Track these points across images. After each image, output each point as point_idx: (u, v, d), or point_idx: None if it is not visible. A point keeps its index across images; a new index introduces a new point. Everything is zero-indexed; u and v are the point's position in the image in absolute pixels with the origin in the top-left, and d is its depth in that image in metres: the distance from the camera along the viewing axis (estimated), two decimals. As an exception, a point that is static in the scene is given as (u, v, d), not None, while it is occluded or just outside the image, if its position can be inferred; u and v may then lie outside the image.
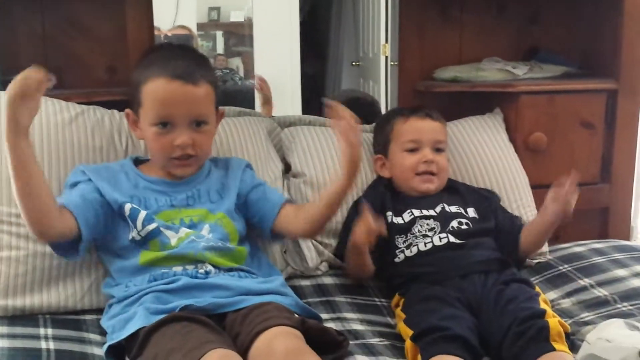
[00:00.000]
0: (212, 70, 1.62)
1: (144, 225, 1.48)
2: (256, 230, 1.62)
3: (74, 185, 1.51)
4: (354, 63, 5.18)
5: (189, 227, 1.51)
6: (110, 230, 1.50)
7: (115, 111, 1.73)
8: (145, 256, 1.48)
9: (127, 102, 1.63)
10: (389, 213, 1.73)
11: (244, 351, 1.29)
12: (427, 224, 1.70)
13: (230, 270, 1.51)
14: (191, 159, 1.53)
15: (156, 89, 1.48)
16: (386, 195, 1.78)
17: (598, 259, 1.83)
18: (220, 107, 1.62)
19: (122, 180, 1.54)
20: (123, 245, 1.50)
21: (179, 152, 1.50)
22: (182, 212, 1.52)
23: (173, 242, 1.48)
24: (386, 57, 4.51)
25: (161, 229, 1.48)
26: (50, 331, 1.46)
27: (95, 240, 1.51)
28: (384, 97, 4.47)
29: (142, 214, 1.48)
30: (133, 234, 1.48)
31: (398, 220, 1.72)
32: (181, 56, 1.54)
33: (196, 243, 1.48)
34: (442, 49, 2.17)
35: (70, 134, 1.64)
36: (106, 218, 1.48)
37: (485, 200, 1.81)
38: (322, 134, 1.92)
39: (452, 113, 1.99)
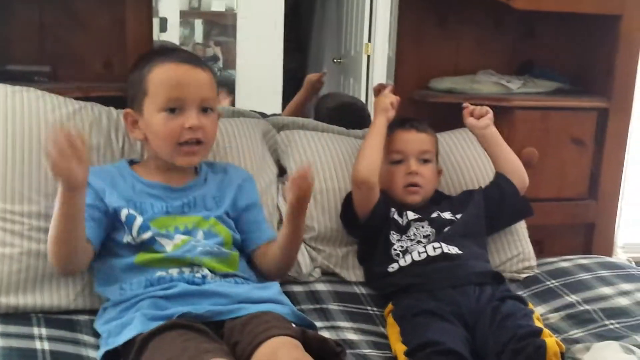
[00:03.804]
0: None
1: (139, 234, 1.46)
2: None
3: None
4: (335, 60, 5.18)
5: (184, 233, 1.50)
6: (109, 232, 1.48)
7: (112, 108, 1.70)
8: (141, 257, 1.47)
9: (123, 98, 1.61)
10: (393, 209, 1.76)
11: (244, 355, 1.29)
12: (423, 228, 1.73)
13: (226, 276, 1.50)
14: (198, 146, 1.51)
15: (164, 73, 1.48)
16: (388, 196, 1.80)
17: (584, 276, 1.87)
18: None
19: (120, 183, 1.52)
20: (119, 245, 1.48)
21: (189, 135, 1.48)
22: (177, 220, 1.51)
23: (168, 248, 1.47)
24: (368, 56, 4.52)
25: (156, 238, 1.47)
26: (44, 331, 1.45)
27: None
28: (364, 95, 4.48)
29: (138, 220, 1.46)
30: (128, 238, 1.47)
31: (398, 219, 1.75)
32: (180, 50, 1.55)
33: (193, 247, 1.48)
34: (438, 59, 2.18)
35: (68, 132, 1.61)
36: (107, 223, 1.47)
37: (470, 193, 1.86)
38: (318, 140, 1.92)
39: (447, 123, 2.01)
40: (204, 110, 1.51)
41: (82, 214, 1.36)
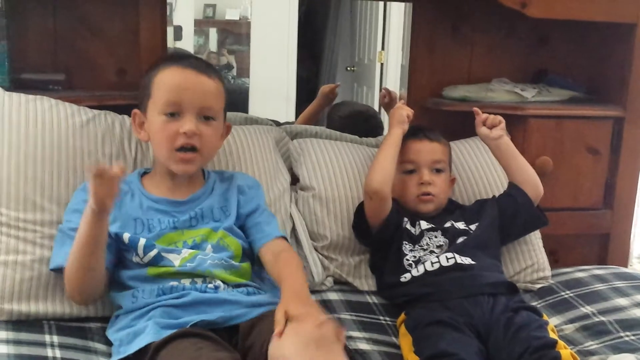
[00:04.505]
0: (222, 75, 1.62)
1: (145, 253, 1.46)
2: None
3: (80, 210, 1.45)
4: (348, 68, 5.18)
5: (192, 247, 1.49)
6: (118, 250, 1.49)
7: (126, 117, 1.71)
8: (152, 270, 1.47)
9: (136, 106, 1.61)
10: (405, 219, 1.75)
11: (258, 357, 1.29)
12: (436, 238, 1.72)
13: (239, 286, 1.49)
14: (194, 154, 1.49)
15: (168, 76, 1.48)
16: (400, 206, 1.79)
17: (599, 286, 1.85)
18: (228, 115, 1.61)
19: (126, 203, 1.52)
20: (130, 262, 1.48)
21: (184, 140, 1.46)
22: (185, 234, 1.50)
23: (176, 263, 1.46)
24: (381, 64, 4.52)
25: (162, 254, 1.46)
26: (55, 338, 1.45)
27: None
28: (377, 104, 4.49)
29: (142, 241, 1.46)
30: (136, 259, 1.47)
31: (411, 228, 1.74)
32: (193, 57, 1.57)
33: (202, 260, 1.47)
34: (452, 67, 2.17)
35: (81, 140, 1.62)
36: (115, 247, 1.48)
37: (483, 203, 1.84)
38: (331, 148, 1.92)
39: (460, 132, 2.00)
40: (205, 118, 1.49)
41: (106, 236, 1.38)
